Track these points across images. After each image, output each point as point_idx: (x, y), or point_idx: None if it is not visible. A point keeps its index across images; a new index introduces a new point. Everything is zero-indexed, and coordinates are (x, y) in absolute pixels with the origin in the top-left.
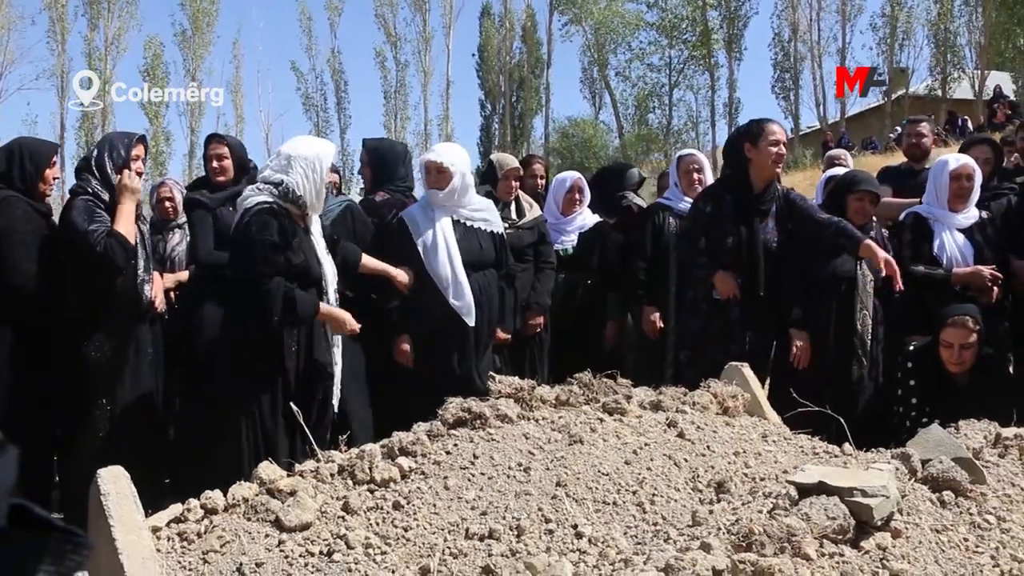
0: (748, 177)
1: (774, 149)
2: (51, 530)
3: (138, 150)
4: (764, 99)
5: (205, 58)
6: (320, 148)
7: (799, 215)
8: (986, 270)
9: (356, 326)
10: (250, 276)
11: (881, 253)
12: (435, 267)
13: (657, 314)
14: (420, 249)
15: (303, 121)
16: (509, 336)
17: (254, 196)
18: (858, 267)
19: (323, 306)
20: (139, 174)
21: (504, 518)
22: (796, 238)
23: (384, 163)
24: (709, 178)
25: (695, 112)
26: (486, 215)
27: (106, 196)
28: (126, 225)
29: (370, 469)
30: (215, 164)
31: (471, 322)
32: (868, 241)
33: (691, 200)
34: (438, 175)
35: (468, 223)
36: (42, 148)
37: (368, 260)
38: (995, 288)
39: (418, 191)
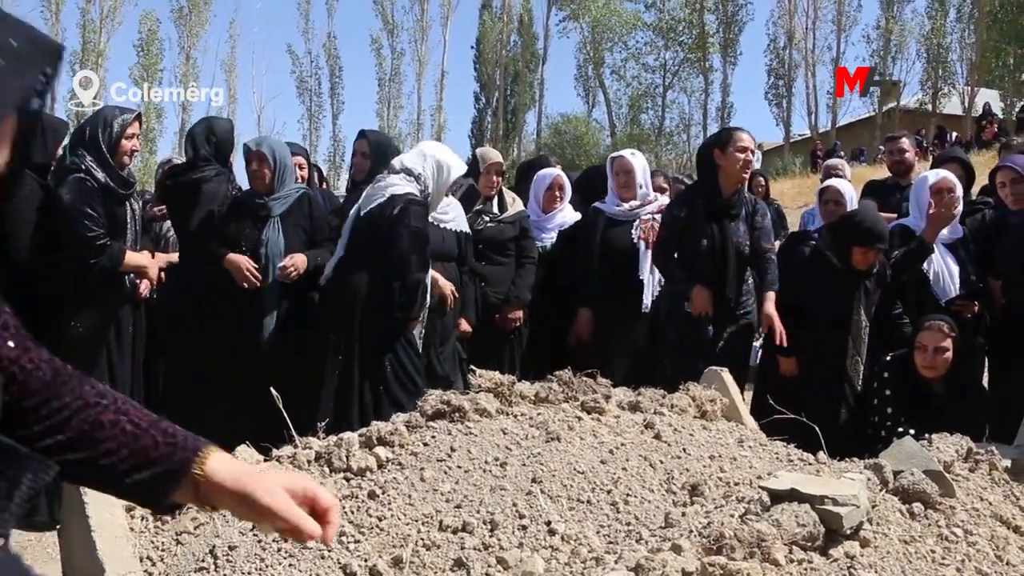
0: (717, 183)
1: (741, 156)
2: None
3: (133, 128)
4: (757, 105)
5: (201, 36)
6: (452, 159)
7: (752, 231)
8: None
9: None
10: (406, 267)
11: (768, 313)
12: None
13: (588, 316)
14: None
15: (296, 104)
16: (469, 329)
17: (403, 185)
18: (854, 312)
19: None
20: (135, 151)
21: (478, 512)
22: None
23: (384, 156)
24: (638, 179)
25: (688, 114)
26: (451, 216)
27: (100, 175)
28: (136, 257)
29: (347, 457)
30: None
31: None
32: (767, 308)
33: (623, 202)
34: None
35: (434, 222)
36: (58, 125)
37: None
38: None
39: None
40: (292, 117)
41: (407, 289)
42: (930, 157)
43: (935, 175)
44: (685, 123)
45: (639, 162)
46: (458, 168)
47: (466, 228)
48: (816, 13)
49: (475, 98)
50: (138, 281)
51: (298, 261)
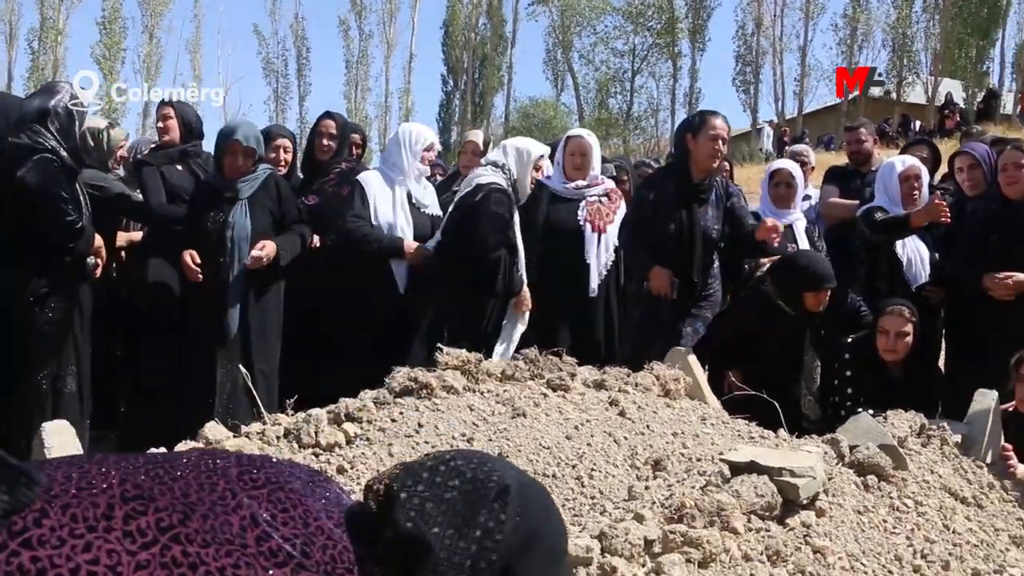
0: (688, 167)
1: (712, 144)
2: (5, 464)
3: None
4: (725, 91)
5: (164, 15)
6: (531, 143)
7: (731, 213)
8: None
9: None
10: (483, 247)
11: (769, 221)
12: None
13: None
14: (372, 208)
15: (262, 86)
16: None
17: (488, 175)
18: (805, 352)
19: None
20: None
21: None
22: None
23: (346, 138)
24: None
25: (656, 100)
26: (428, 201)
27: (64, 152)
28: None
29: (315, 433)
30: (160, 124)
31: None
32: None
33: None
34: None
35: (417, 207)
36: (13, 103)
37: None
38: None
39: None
40: (258, 99)
41: (486, 268)
42: (894, 145)
43: (902, 162)
44: (653, 108)
45: (595, 143)
46: (538, 149)
47: (439, 212)
48: (784, 1)
49: (443, 81)
50: (96, 261)
51: (269, 249)
